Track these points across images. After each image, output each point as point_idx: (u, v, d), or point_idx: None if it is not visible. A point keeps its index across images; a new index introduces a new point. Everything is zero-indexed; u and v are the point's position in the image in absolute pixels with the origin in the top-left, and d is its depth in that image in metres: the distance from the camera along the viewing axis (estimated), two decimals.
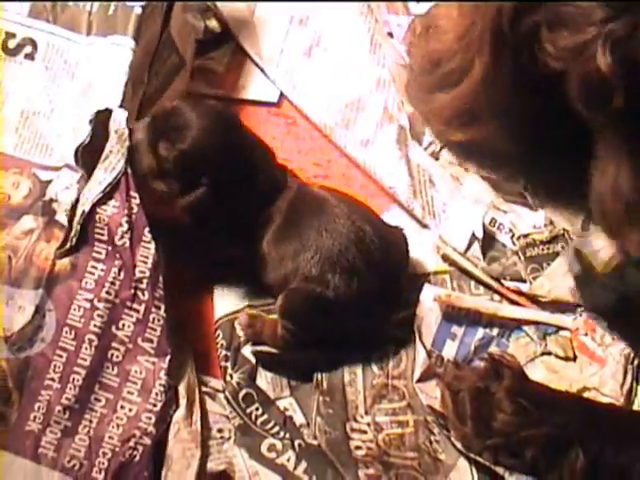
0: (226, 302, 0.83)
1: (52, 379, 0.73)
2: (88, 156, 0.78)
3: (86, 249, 0.77)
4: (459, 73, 0.69)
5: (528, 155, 0.69)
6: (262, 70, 0.96)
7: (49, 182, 0.81)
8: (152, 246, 0.77)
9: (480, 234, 0.85)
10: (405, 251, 0.83)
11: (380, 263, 0.79)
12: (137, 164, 0.79)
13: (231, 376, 0.79)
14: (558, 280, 0.83)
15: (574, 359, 0.80)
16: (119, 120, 0.78)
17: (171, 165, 0.78)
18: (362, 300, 0.78)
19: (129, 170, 0.78)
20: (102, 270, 0.76)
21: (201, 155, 0.78)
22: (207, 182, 0.77)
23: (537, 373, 0.79)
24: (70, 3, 0.85)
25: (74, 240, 0.77)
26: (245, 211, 0.80)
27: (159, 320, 0.75)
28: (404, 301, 0.82)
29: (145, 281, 0.76)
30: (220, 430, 0.78)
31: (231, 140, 0.80)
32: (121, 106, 0.79)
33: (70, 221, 0.78)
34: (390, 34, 0.96)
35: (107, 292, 0.76)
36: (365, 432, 0.78)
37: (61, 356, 0.74)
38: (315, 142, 0.93)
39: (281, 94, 0.95)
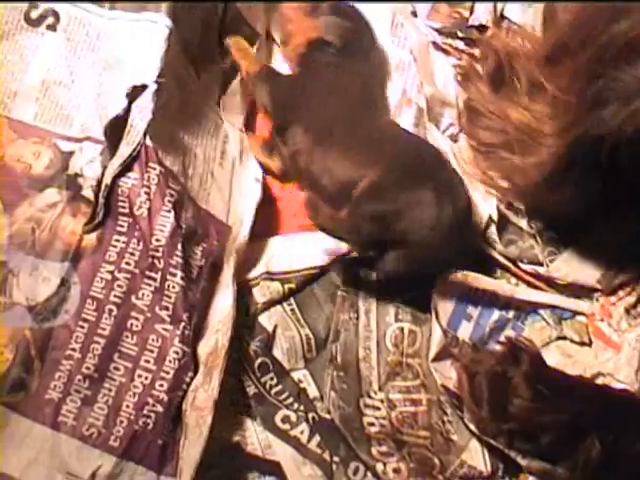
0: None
1: (73, 349, 0.74)
2: (114, 130, 0.79)
3: (111, 223, 0.78)
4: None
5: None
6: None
7: (70, 153, 0.81)
8: (171, 215, 0.77)
9: (496, 216, 0.85)
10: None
11: (451, 182, 0.78)
12: None
13: (248, 343, 0.79)
14: (575, 264, 0.83)
15: (589, 344, 0.81)
16: (145, 95, 0.79)
17: None
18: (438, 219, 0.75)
19: (148, 142, 0.78)
20: (124, 242, 0.77)
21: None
22: None
23: (552, 357, 0.79)
24: None
25: (100, 215, 0.77)
26: None
27: (174, 287, 0.76)
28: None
29: (161, 249, 0.76)
30: (233, 401, 0.77)
31: None
32: (156, 82, 0.79)
33: (96, 196, 0.78)
34: (414, 13, 0.96)
35: (127, 262, 0.76)
36: (378, 409, 0.78)
37: (83, 327, 0.74)
38: None
39: None
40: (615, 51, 0.64)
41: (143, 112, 0.79)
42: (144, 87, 0.79)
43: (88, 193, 0.78)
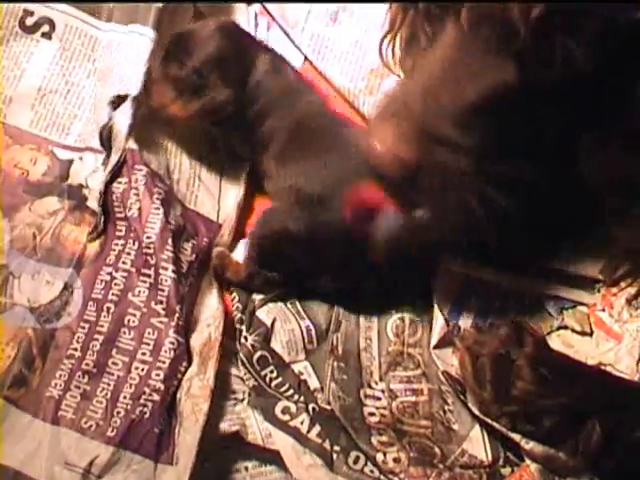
0: None
1: (75, 349, 0.76)
2: (108, 139, 0.81)
3: (111, 229, 0.80)
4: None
5: None
6: (287, 34, 0.95)
7: (69, 162, 0.83)
8: (160, 212, 0.79)
9: None
10: None
11: None
12: (152, 93, 0.83)
13: (246, 338, 0.80)
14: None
15: (590, 334, 0.79)
16: (126, 102, 0.81)
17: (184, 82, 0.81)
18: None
19: (132, 145, 0.81)
20: (122, 245, 0.80)
21: (211, 66, 0.81)
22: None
23: (553, 347, 0.78)
24: None
25: (102, 223, 0.80)
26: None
27: (166, 280, 0.78)
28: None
29: (152, 245, 0.78)
30: (234, 391, 0.79)
31: (236, 47, 0.83)
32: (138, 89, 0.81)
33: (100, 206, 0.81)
34: None
35: (123, 262, 0.79)
36: (379, 399, 0.78)
37: (84, 327, 0.77)
38: (338, 108, 0.91)
39: (305, 59, 0.94)
40: None
41: (124, 117, 0.81)
42: (127, 96, 0.81)
43: (93, 204, 0.81)
